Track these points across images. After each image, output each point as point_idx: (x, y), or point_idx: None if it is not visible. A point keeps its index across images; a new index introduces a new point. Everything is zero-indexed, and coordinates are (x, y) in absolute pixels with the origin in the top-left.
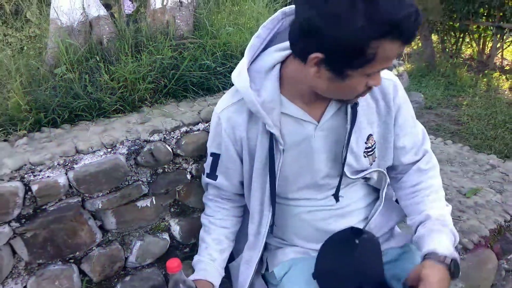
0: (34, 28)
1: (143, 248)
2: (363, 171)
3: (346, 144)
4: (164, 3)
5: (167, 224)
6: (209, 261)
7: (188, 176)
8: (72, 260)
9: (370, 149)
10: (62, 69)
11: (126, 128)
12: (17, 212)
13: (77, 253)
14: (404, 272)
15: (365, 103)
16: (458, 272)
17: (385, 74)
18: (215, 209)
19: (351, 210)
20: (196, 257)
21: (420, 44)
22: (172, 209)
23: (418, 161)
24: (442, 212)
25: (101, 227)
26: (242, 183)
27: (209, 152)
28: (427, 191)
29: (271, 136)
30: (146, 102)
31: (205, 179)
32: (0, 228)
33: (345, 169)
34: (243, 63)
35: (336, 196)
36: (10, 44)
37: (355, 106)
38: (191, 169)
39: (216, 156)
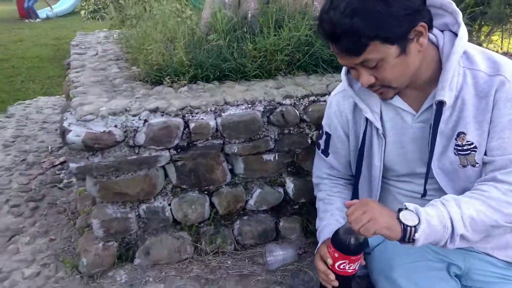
0: (176, 3)
1: (261, 196)
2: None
3: (432, 139)
4: None
5: (283, 180)
6: (339, 224)
7: (309, 141)
8: (206, 192)
9: (461, 149)
10: (215, 36)
11: (264, 91)
12: (176, 142)
13: (211, 187)
14: None
15: (465, 100)
16: (410, 236)
17: (499, 68)
18: (330, 185)
19: None
20: (322, 224)
21: None
22: (289, 169)
23: (498, 170)
24: (458, 211)
25: (231, 171)
26: (350, 164)
27: (324, 130)
28: (473, 193)
29: (367, 120)
30: (281, 72)
31: (319, 154)
32: (164, 152)
33: (431, 167)
34: None
35: (424, 191)
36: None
37: (440, 102)
38: (312, 135)
39: (328, 135)
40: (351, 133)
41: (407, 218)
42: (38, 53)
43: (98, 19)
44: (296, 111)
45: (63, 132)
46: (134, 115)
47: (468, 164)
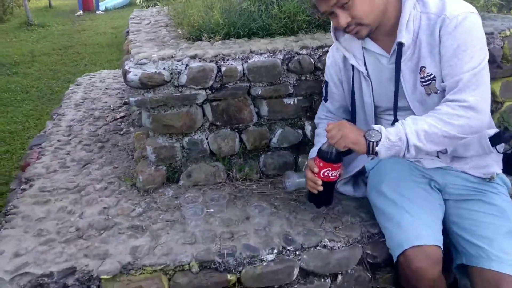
0: None
1: (283, 135)
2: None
3: (395, 76)
4: None
5: (302, 123)
6: None
7: (323, 87)
8: (236, 130)
9: (424, 80)
10: (247, 4)
11: (284, 43)
12: (211, 83)
13: (240, 125)
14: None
15: (421, 39)
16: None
17: (444, 8)
18: (326, 120)
19: None
20: (312, 150)
21: None
22: (308, 114)
23: (449, 91)
24: (416, 123)
25: (257, 114)
26: (344, 107)
27: (325, 79)
28: (429, 113)
29: (353, 67)
30: (302, 30)
31: (322, 100)
32: (201, 91)
33: (406, 97)
34: None
35: (394, 120)
36: None
37: (400, 43)
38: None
39: (326, 83)
40: (344, 79)
41: (371, 135)
42: (98, 41)
43: (152, 6)
44: (311, 59)
45: (125, 73)
46: (178, 60)
47: (431, 92)
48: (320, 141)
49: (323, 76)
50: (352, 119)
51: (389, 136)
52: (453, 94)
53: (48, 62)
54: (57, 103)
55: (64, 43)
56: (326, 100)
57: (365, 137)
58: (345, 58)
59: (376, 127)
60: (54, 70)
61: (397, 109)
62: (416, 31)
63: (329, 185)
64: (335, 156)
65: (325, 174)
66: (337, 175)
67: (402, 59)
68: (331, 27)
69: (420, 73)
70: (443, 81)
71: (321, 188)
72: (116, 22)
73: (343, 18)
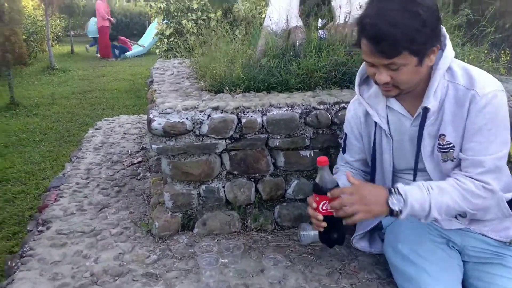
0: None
1: (298, 186)
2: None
3: (418, 139)
4: (346, 20)
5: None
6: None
7: (340, 141)
8: (252, 179)
9: (442, 147)
10: (266, 60)
11: (302, 98)
12: (230, 133)
13: (257, 175)
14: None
15: (446, 108)
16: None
17: (473, 83)
18: (344, 168)
19: None
20: None
21: None
22: None
23: (470, 167)
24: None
25: (274, 164)
26: (362, 160)
27: (344, 131)
28: (455, 182)
29: (376, 123)
30: (319, 86)
31: (340, 151)
32: (221, 141)
33: (424, 161)
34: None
35: (414, 181)
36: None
37: (425, 108)
38: (342, 136)
39: (346, 136)
40: (364, 134)
41: (394, 202)
42: (116, 86)
43: (170, 57)
44: (328, 114)
45: (149, 122)
46: (200, 111)
47: (448, 159)
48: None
49: (340, 131)
50: (371, 173)
51: (414, 205)
52: (479, 174)
53: (68, 105)
54: (74, 145)
55: (84, 88)
56: (344, 152)
57: (387, 202)
58: (367, 113)
59: (400, 189)
60: (73, 113)
61: (417, 171)
62: (442, 99)
63: (333, 220)
64: (330, 187)
65: (324, 208)
66: None
67: (425, 124)
68: (356, 82)
69: (439, 140)
70: (461, 151)
71: (324, 224)
72: (134, 69)
73: (384, 77)
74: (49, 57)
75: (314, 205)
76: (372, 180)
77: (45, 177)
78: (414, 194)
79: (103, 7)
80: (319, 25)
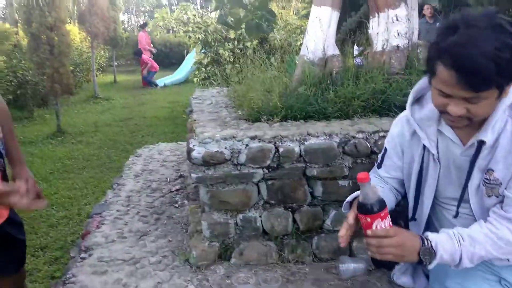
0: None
1: (337, 217)
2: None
3: (468, 171)
4: (384, 47)
5: None
6: None
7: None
8: (289, 209)
9: (489, 182)
10: (303, 88)
11: (340, 127)
12: (268, 163)
13: (294, 204)
14: None
15: (501, 143)
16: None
17: None
18: (376, 180)
19: None
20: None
21: None
22: None
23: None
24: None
25: (311, 194)
26: (397, 179)
27: (384, 146)
28: (488, 228)
29: (424, 147)
30: (357, 114)
31: (375, 165)
32: (258, 170)
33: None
34: (421, 82)
35: (456, 213)
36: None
37: (481, 141)
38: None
39: (386, 150)
40: (407, 153)
41: (426, 255)
42: (156, 114)
43: (207, 85)
44: (368, 143)
45: (189, 151)
46: (238, 140)
47: (492, 195)
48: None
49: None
50: (407, 196)
51: (443, 256)
52: None
53: (109, 132)
54: (115, 172)
55: (125, 115)
56: (379, 167)
57: (419, 253)
58: (414, 133)
59: (432, 240)
60: (114, 140)
61: (461, 202)
62: (498, 133)
63: None
64: (378, 204)
65: (379, 227)
66: (391, 223)
67: (478, 157)
68: (408, 102)
69: (486, 174)
70: (506, 188)
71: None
72: (172, 97)
73: (460, 110)
74: (94, 87)
75: (369, 232)
76: (406, 204)
77: (86, 203)
78: (445, 245)
79: (145, 38)
80: (356, 52)
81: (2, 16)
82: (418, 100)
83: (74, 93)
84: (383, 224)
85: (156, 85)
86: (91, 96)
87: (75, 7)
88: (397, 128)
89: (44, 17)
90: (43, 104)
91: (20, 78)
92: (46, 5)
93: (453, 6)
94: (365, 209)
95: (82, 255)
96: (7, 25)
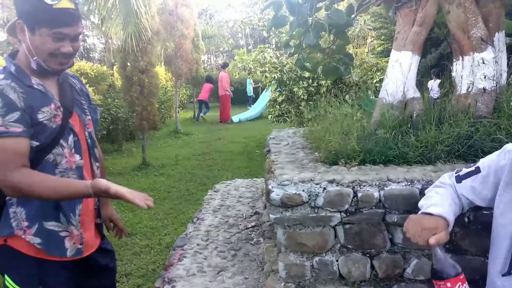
0: (348, 108)
1: (418, 266)
2: None
3: None
4: (469, 90)
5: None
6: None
7: (465, 220)
8: (368, 255)
9: None
10: (382, 131)
11: (423, 173)
12: (346, 207)
13: (372, 250)
14: None
15: None
16: None
17: None
18: (450, 190)
19: None
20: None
21: None
22: (446, 245)
23: None
24: None
25: (391, 240)
26: (470, 203)
27: (477, 165)
28: None
29: None
30: (440, 160)
31: (452, 175)
32: (336, 214)
33: None
34: None
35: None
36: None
37: None
38: (469, 215)
39: (477, 171)
40: (502, 185)
41: None
42: (231, 149)
43: (281, 122)
44: None
45: (268, 192)
46: (316, 184)
47: None
48: (431, 196)
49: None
50: (503, 248)
51: None
52: None
53: (188, 166)
54: (192, 204)
55: (203, 150)
56: (460, 181)
57: None
58: None
59: None
60: (193, 173)
61: None
62: None
63: None
64: (455, 265)
65: None
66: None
67: None
68: None
69: None
70: None
71: None
72: (247, 133)
73: None
74: (175, 122)
75: None
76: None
77: (166, 233)
78: None
79: (225, 78)
80: (435, 95)
81: (100, 59)
82: None
83: (157, 128)
84: (463, 285)
85: (232, 121)
86: (172, 131)
87: (162, 50)
88: (505, 160)
89: (137, 61)
90: (131, 138)
91: (113, 115)
92: (140, 51)
93: None
94: (444, 273)
95: (166, 286)
96: (104, 68)
